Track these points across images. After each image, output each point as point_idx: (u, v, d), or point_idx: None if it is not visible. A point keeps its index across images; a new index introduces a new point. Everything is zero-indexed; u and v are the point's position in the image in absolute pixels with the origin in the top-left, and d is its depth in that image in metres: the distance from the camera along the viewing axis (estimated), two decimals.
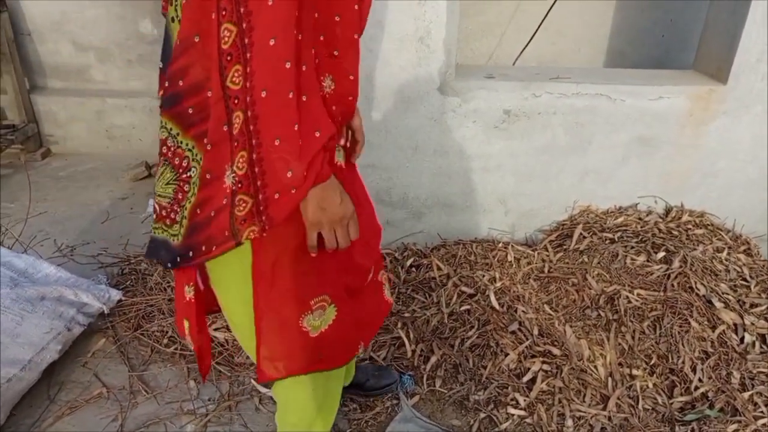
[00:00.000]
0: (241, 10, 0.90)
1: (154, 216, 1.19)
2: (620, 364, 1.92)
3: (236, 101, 0.96)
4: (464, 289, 2.19)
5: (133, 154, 3.82)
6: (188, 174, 1.10)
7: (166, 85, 1.05)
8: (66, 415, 1.83)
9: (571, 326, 2.01)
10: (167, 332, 2.14)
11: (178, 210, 1.14)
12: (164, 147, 1.13)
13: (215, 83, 0.97)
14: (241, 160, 1.01)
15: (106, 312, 2.14)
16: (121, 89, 3.93)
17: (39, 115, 3.83)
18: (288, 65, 0.94)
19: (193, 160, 1.09)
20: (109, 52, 3.81)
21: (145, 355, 2.09)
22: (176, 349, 2.08)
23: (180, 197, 1.13)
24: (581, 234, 2.37)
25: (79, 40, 3.77)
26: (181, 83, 1.03)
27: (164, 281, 2.38)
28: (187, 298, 1.26)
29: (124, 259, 2.64)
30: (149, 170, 3.58)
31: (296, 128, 0.97)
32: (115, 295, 2.18)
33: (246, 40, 0.91)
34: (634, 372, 1.88)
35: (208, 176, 1.05)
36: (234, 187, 1.03)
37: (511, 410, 1.81)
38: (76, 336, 2.02)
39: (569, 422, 1.76)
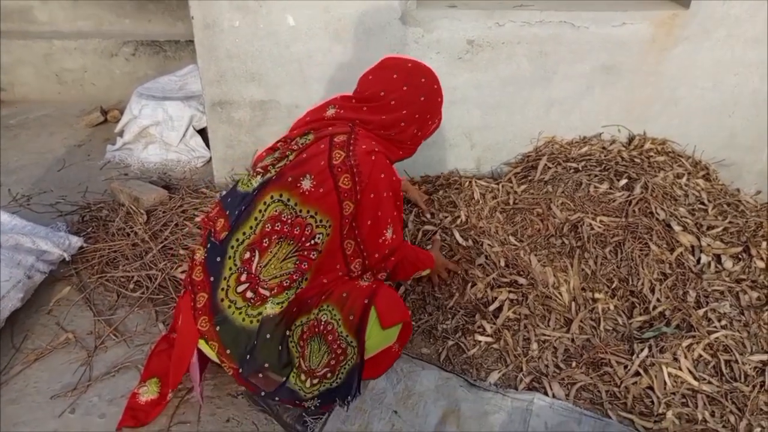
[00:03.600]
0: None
1: None
2: (583, 288, 1.97)
3: None
4: (428, 227, 2.20)
5: (86, 100, 3.67)
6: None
7: None
8: (34, 362, 1.81)
9: (536, 255, 2.04)
10: (133, 277, 2.11)
11: None
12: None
13: None
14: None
15: (67, 259, 2.10)
16: (69, 30, 3.73)
17: None
18: None
19: None
20: None
21: (111, 300, 2.06)
22: (143, 293, 2.06)
23: None
24: (546, 165, 2.39)
25: None
26: None
27: (126, 226, 2.34)
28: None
29: (84, 206, 2.57)
30: (105, 115, 3.45)
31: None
32: (76, 242, 2.13)
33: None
34: (597, 295, 1.94)
35: None
36: None
37: (479, 337, 1.86)
38: (37, 284, 1.98)
39: (534, 345, 1.82)
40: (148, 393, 1.64)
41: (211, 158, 2.74)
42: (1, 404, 1.66)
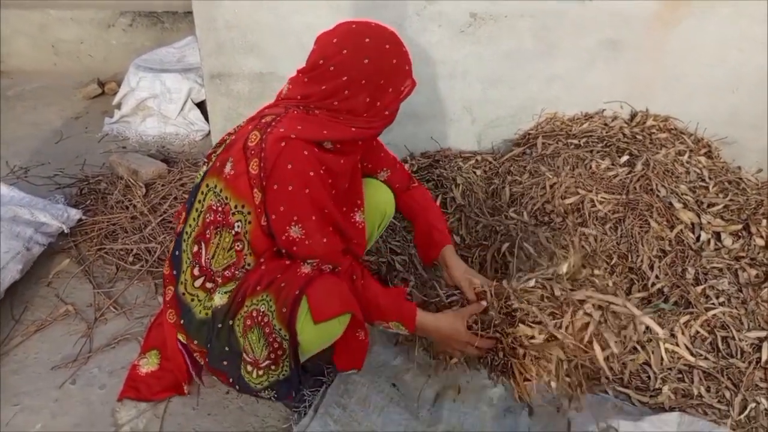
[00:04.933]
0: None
1: None
2: (583, 265, 1.97)
3: None
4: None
5: (83, 71, 3.62)
6: None
7: None
8: (34, 334, 1.81)
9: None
10: (132, 250, 2.11)
11: None
12: None
13: None
14: None
15: (66, 231, 2.10)
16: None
17: None
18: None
19: None
20: None
21: (111, 273, 2.06)
22: (142, 266, 2.06)
23: None
24: (546, 142, 2.37)
25: None
26: None
27: (125, 199, 2.33)
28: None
29: (82, 179, 2.55)
30: (102, 87, 3.41)
31: None
32: (75, 214, 2.13)
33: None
34: (596, 272, 1.93)
35: None
36: None
37: None
38: (36, 256, 1.97)
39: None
40: (149, 365, 1.65)
41: (209, 131, 2.71)
42: (1, 375, 1.67)
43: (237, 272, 1.43)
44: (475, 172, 2.36)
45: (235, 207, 1.38)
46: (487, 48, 2.32)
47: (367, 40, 1.36)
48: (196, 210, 1.44)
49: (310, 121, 1.36)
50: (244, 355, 1.40)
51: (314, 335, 1.35)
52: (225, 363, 1.44)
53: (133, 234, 2.17)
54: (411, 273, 1.98)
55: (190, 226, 1.46)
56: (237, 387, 1.46)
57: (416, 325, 1.48)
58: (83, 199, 2.39)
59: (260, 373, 1.40)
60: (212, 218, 1.41)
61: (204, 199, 1.43)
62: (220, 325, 1.41)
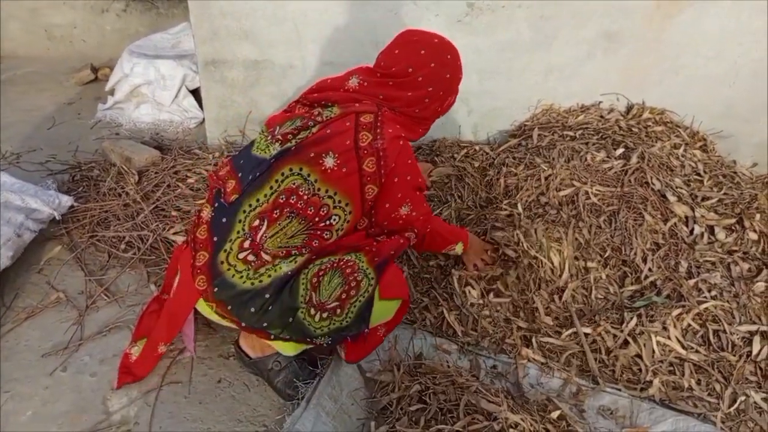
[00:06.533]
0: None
1: None
2: (576, 257, 1.97)
3: None
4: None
5: (76, 57, 3.59)
6: None
7: None
8: (24, 321, 1.81)
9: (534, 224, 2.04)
10: (124, 238, 2.10)
11: None
12: None
13: None
14: None
15: (58, 218, 2.08)
16: None
17: None
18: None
19: None
20: None
21: (102, 260, 2.05)
22: (134, 254, 2.05)
23: None
24: (542, 134, 2.36)
25: None
26: None
27: (118, 186, 2.31)
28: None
29: (75, 165, 2.53)
30: (95, 73, 3.38)
31: None
32: (66, 201, 2.11)
33: None
34: (589, 265, 1.94)
35: None
36: None
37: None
38: (27, 242, 1.96)
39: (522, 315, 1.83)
40: (140, 352, 1.65)
41: (204, 119, 2.69)
42: None
43: (300, 251, 1.44)
44: (471, 163, 2.35)
45: (338, 202, 1.44)
46: (484, 38, 2.31)
47: (449, 56, 1.57)
48: (270, 188, 1.43)
49: (401, 123, 1.54)
50: (311, 297, 1.42)
51: (379, 309, 1.50)
52: (266, 324, 1.43)
53: (126, 221, 2.15)
54: (405, 264, 1.98)
55: (258, 200, 1.43)
56: (282, 336, 1.47)
57: (468, 240, 1.88)
58: (75, 185, 2.37)
59: (324, 316, 1.43)
60: (288, 201, 1.42)
61: (282, 180, 1.43)
62: (274, 293, 1.41)
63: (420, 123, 1.61)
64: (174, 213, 2.18)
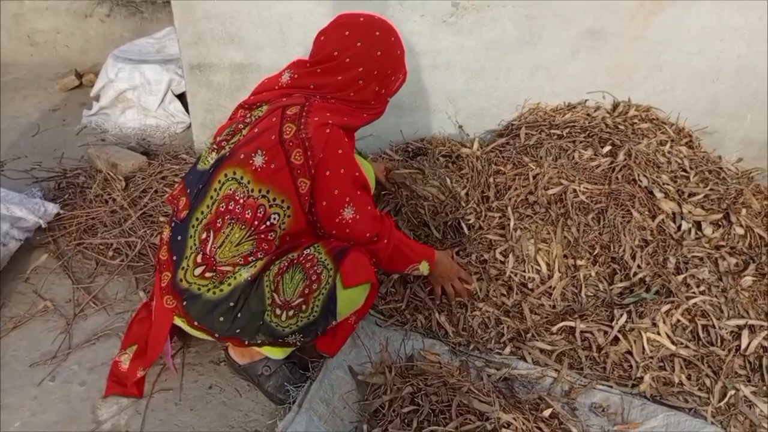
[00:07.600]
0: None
1: None
2: (565, 256, 1.98)
3: None
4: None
5: (60, 62, 3.55)
6: None
7: None
8: (12, 331, 1.79)
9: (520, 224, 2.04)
10: (112, 245, 2.08)
11: None
12: None
13: None
14: None
15: (44, 226, 2.06)
16: None
17: None
18: None
19: None
20: None
21: (90, 268, 2.03)
22: (122, 261, 2.03)
23: None
24: (529, 133, 2.37)
25: None
26: None
27: (104, 193, 2.29)
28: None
29: (60, 172, 2.51)
30: (80, 79, 3.35)
31: None
32: (52, 208, 2.09)
33: None
34: (578, 262, 1.95)
35: None
36: None
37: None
38: (13, 251, 1.94)
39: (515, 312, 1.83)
40: (130, 360, 1.63)
41: (190, 124, 2.68)
42: None
43: (253, 257, 1.42)
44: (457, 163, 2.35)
45: (274, 200, 1.40)
46: (469, 38, 2.31)
47: (377, 33, 1.48)
48: (211, 198, 1.43)
49: (333, 110, 1.45)
50: (274, 299, 1.40)
51: (344, 299, 1.44)
52: (238, 331, 1.43)
53: (113, 228, 2.14)
54: None
55: (202, 213, 1.43)
56: (255, 341, 1.46)
57: (435, 259, 1.70)
58: (61, 193, 2.35)
59: (290, 314, 1.41)
60: (228, 208, 1.40)
61: (221, 188, 1.42)
62: (239, 299, 1.40)
63: (362, 107, 1.51)
64: (162, 219, 2.17)
